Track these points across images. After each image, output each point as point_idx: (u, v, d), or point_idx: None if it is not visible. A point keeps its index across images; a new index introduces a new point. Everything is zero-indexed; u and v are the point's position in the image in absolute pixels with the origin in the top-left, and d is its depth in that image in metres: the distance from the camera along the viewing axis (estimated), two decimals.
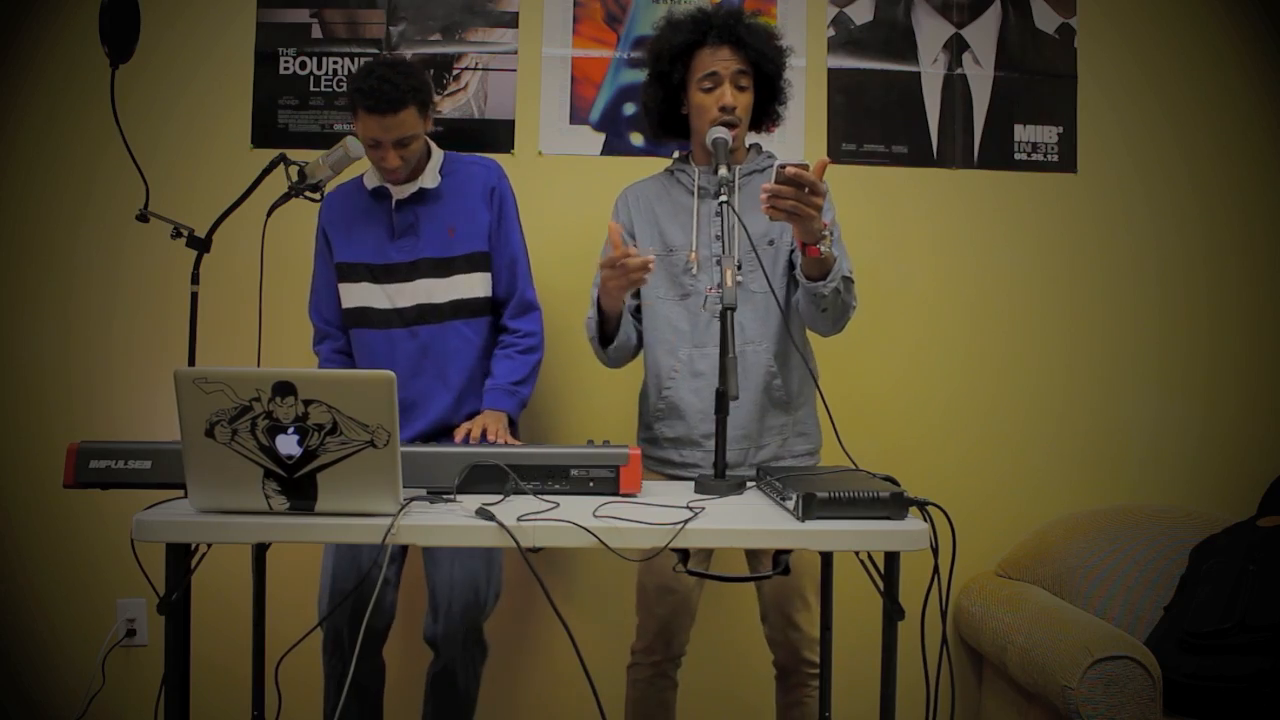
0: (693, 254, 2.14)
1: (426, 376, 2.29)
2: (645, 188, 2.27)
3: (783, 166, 1.77)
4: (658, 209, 2.22)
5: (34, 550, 2.69)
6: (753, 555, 2.23)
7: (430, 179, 2.31)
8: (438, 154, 2.35)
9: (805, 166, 1.78)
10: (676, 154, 2.30)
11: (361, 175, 2.35)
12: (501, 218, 2.35)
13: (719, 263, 2.11)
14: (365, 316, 2.31)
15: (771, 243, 2.13)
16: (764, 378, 2.12)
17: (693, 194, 2.18)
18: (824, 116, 2.80)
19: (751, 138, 2.26)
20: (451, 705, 2.33)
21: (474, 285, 2.32)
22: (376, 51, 2.75)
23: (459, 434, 2.18)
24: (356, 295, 2.32)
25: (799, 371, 2.16)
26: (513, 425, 2.27)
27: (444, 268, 2.30)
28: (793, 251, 2.14)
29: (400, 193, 2.29)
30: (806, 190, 1.77)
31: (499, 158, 2.59)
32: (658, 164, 2.35)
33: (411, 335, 2.30)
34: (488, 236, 2.33)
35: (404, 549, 2.31)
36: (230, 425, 1.40)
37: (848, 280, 2.00)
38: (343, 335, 2.38)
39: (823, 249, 1.88)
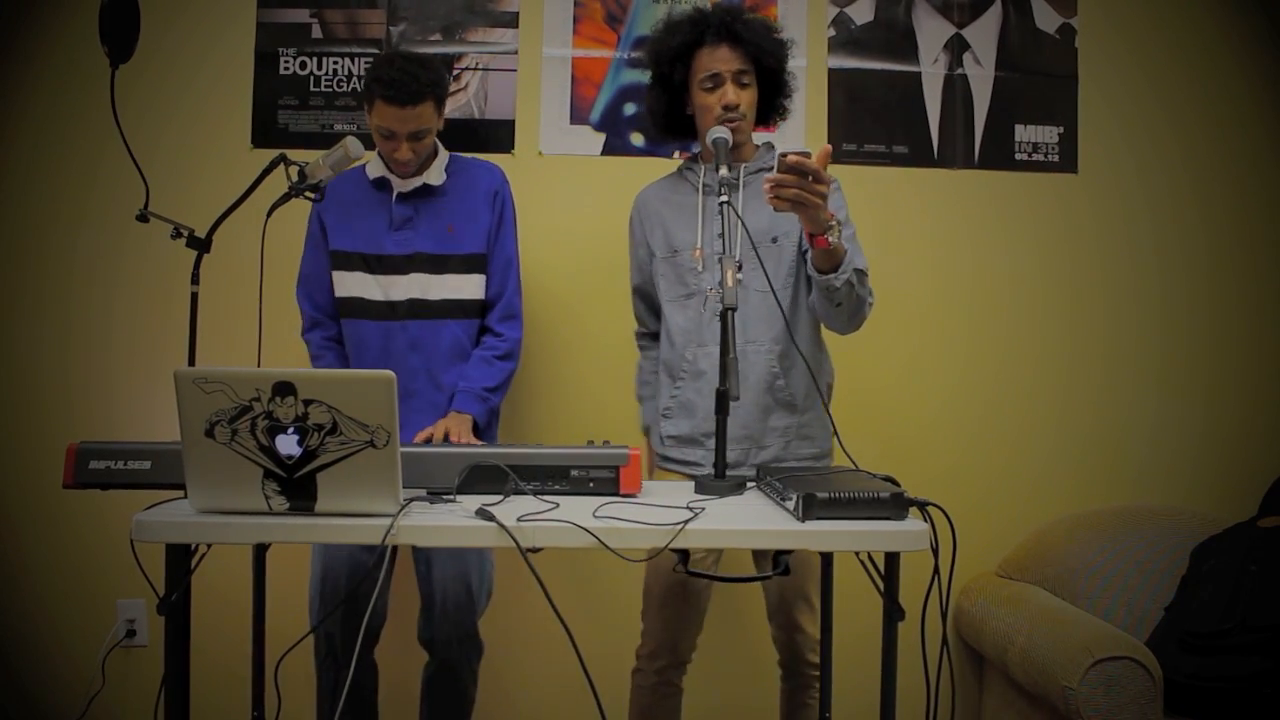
0: (696, 251, 2.14)
1: (418, 373, 2.28)
2: (654, 191, 2.28)
3: (784, 155, 1.75)
4: (665, 211, 2.22)
5: (34, 551, 2.69)
6: (760, 555, 2.22)
7: (435, 176, 2.31)
8: (444, 153, 2.36)
9: (807, 154, 1.75)
10: (677, 154, 2.30)
11: (362, 166, 2.34)
12: (501, 222, 2.35)
13: (720, 261, 2.11)
14: (357, 307, 2.31)
15: (775, 240, 2.12)
16: (766, 378, 2.11)
17: (698, 192, 2.18)
18: (825, 116, 2.80)
19: (763, 136, 2.25)
20: (449, 705, 2.33)
21: (468, 286, 2.32)
22: (377, 52, 2.74)
23: (420, 436, 2.17)
24: (349, 285, 2.31)
25: (807, 373, 2.14)
26: (478, 430, 2.24)
27: (439, 264, 2.30)
28: (805, 251, 2.13)
29: (403, 186, 2.30)
30: (810, 179, 1.74)
31: (499, 158, 2.59)
32: (657, 164, 2.36)
33: (403, 329, 2.29)
34: (487, 239, 2.33)
35: (395, 550, 2.30)
36: (230, 425, 1.40)
37: (860, 273, 1.96)
38: (334, 324, 2.37)
39: (831, 239, 1.84)
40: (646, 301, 2.34)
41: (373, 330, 2.30)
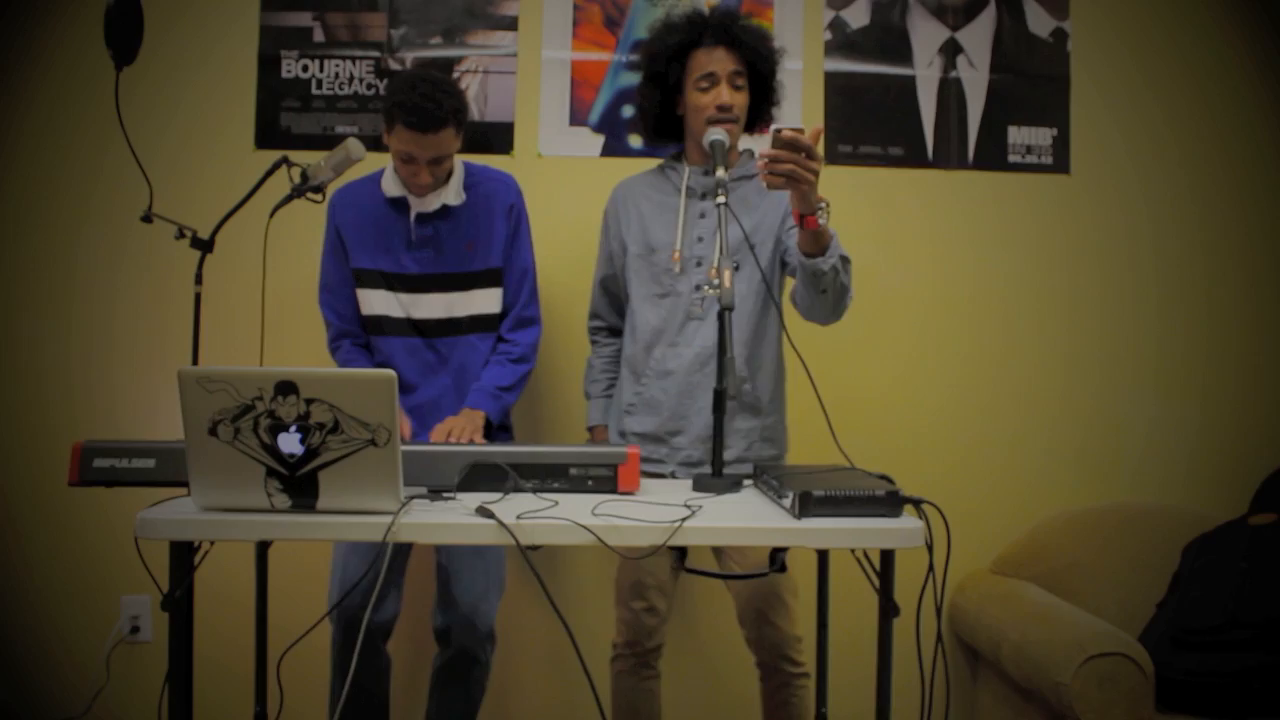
0: (675, 254, 2.16)
1: (444, 387, 2.31)
2: (635, 184, 2.29)
3: (779, 130, 1.75)
4: (644, 207, 2.24)
5: (39, 548, 2.71)
6: (720, 554, 2.23)
7: (454, 196, 2.29)
8: (459, 168, 2.33)
9: (802, 131, 1.75)
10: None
11: (377, 176, 2.33)
12: (517, 234, 2.36)
13: (699, 264, 2.14)
14: (381, 325, 2.33)
15: (753, 247, 2.12)
16: (735, 381, 2.10)
17: (680, 193, 2.20)
18: (821, 119, 2.81)
19: (745, 142, 2.27)
20: (462, 695, 2.35)
21: (490, 301, 2.34)
22: (378, 55, 2.76)
23: (436, 431, 2.18)
24: (372, 303, 2.32)
25: (773, 378, 2.17)
26: (491, 429, 2.25)
27: (463, 283, 2.31)
28: (784, 253, 2.15)
29: (422, 206, 2.28)
30: (804, 155, 1.74)
31: (499, 160, 2.61)
32: (655, 165, 2.36)
33: (429, 347, 2.32)
34: (503, 251, 2.34)
35: (408, 546, 2.32)
36: (233, 424, 1.42)
37: (845, 260, 1.96)
38: (362, 333, 2.37)
39: (821, 220, 1.84)
40: (610, 295, 2.35)
41: (398, 347, 2.32)
